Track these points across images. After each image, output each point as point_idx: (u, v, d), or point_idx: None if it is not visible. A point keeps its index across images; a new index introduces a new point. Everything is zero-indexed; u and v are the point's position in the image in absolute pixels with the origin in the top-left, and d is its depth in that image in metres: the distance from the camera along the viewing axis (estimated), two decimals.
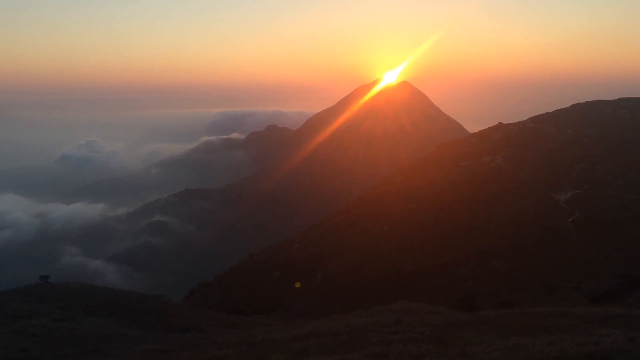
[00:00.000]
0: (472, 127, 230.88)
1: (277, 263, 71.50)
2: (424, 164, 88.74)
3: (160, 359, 16.54)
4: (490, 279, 45.56)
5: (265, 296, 62.14)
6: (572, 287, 36.49)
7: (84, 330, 23.44)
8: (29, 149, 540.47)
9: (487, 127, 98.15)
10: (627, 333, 11.04)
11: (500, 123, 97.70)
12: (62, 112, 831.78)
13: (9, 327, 23.60)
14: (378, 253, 60.58)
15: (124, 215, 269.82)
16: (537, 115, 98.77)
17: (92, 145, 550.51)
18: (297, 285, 60.31)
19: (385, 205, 74.07)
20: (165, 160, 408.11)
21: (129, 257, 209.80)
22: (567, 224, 53.47)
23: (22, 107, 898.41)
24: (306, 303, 55.89)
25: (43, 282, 33.14)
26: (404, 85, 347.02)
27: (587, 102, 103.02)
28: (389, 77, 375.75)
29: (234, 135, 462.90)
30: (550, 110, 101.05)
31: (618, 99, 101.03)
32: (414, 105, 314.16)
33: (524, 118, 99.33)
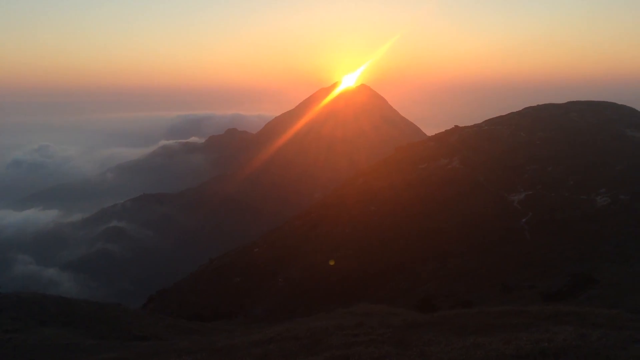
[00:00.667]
0: (430, 130, 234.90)
1: (238, 268, 70.95)
2: (383, 167, 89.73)
3: None
4: (450, 279, 46.41)
5: (225, 301, 61.47)
6: (527, 285, 37.50)
7: (38, 340, 22.60)
8: None
9: (444, 130, 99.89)
10: (578, 330, 11.45)
11: (456, 126, 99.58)
12: (13, 116, 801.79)
13: None
14: (339, 256, 60.90)
15: (79, 222, 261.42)
16: (492, 118, 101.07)
17: (45, 150, 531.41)
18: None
19: (345, 208, 74.58)
20: (122, 165, 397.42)
21: (84, 265, 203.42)
22: (521, 224, 55.06)
23: None
24: (267, 307, 55.63)
25: None
26: (362, 88, 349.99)
27: (538, 105, 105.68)
28: (348, 80, 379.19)
29: (193, 139, 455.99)
30: (504, 113, 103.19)
31: (568, 102, 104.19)
32: (373, 109, 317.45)
33: (479, 121, 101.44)
